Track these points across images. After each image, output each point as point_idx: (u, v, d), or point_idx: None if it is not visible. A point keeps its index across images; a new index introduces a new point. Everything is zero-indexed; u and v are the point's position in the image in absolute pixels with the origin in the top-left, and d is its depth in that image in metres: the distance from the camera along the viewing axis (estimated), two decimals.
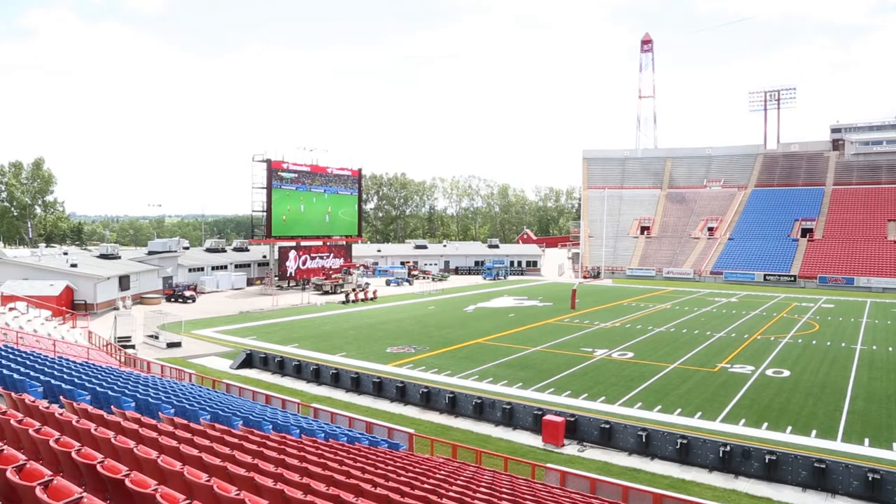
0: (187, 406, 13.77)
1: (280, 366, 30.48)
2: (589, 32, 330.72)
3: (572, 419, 21.04)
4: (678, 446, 19.02)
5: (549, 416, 21.08)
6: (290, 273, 68.67)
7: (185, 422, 11.58)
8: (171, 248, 65.70)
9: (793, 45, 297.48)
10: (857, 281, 73.51)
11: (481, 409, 23.22)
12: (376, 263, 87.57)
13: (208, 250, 76.02)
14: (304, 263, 70.21)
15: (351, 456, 12.19)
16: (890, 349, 35.80)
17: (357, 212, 79.85)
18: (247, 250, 78.74)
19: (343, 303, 56.06)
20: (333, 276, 69.06)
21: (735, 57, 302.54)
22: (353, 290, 60.76)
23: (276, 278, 67.88)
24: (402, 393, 25.51)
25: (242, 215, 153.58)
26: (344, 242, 77.43)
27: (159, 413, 12.16)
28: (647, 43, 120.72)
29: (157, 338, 37.56)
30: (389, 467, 11.67)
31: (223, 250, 77.04)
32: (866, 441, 20.48)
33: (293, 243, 69.60)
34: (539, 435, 21.12)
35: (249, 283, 71.86)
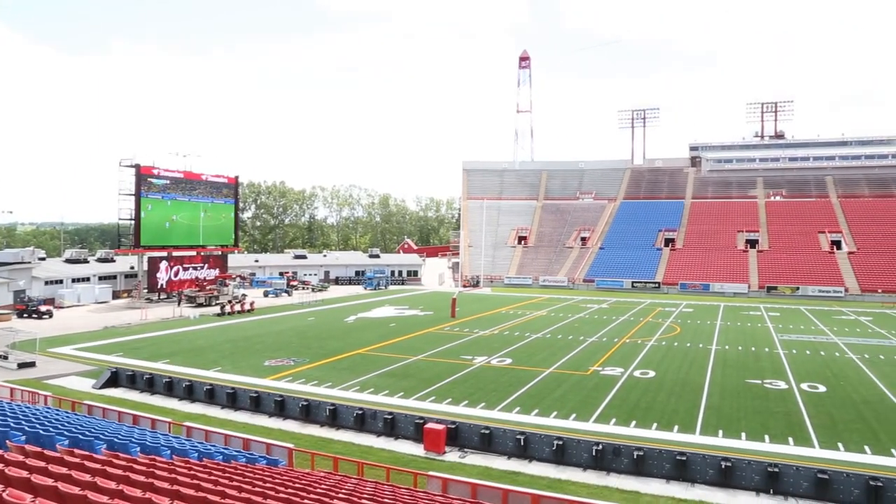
0: (41, 431, 12.72)
1: (149, 383, 28.81)
2: (470, 46, 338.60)
3: (453, 426, 21.30)
4: (554, 448, 19.71)
5: (430, 425, 21.23)
6: (161, 285, 65.23)
7: (39, 449, 10.69)
8: (24, 258, 60.59)
9: (658, 68, 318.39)
10: (713, 287, 79.51)
11: (363, 421, 23.03)
12: (254, 274, 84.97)
13: (68, 261, 70.75)
14: (176, 275, 66.90)
15: (227, 475, 11.73)
16: (739, 348, 38.93)
17: (233, 221, 77.12)
18: (113, 261, 74.08)
19: (218, 315, 53.89)
20: (208, 287, 66.31)
21: (607, 76, 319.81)
22: (229, 301, 58.60)
23: (146, 291, 64.26)
24: (281, 407, 24.83)
25: (108, 223, 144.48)
26: (219, 252, 74.51)
27: (7, 441, 11.15)
28: (524, 60, 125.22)
29: (6, 358, 34.42)
30: (268, 484, 11.33)
31: (85, 261, 71.97)
32: (720, 433, 22.14)
33: (164, 253, 66.17)
34: (421, 443, 21.21)
35: (115, 296, 67.55)
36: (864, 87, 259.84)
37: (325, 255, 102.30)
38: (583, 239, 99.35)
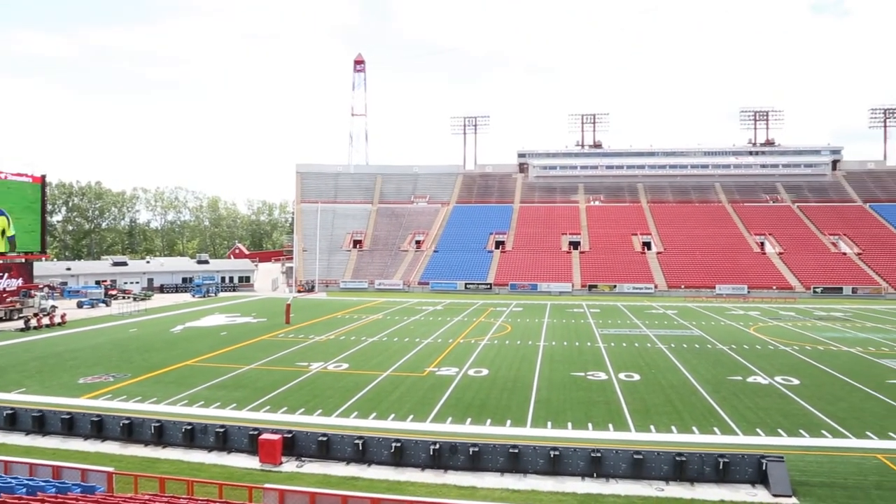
0: None
1: None
2: (303, 47, 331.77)
3: (290, 435, 20.73)
4: (393, 450, 19.81)
5: (265, 435, 20.51)
6: None
7: None
8: None
9: (489, 76, 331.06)
10: (540, 286, 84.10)
11: (192, 436, 21.75)
12: (65, 283, 77.60)
13: None
14: None
15: None
16: (565, 344, 41.50)
17: (40, 225, 69.75)
18: None
19: (22, 330, 48.53)
20: (9, 299, 59.49)
21: (441, 83, 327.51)
22: (35, 314, 53.02)
23: None
24: (98, 428, 22.80)
25: None
26: (23, 260, 67.11)
27: None
28: (359, 63, 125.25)
29: None
30: None
31: None
32: (549, 424, 23.46)
33: None
34: (256, 456, 20.43)
35: None
36: (670, 101, 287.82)
37: (148, 262, 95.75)
38: (417, 242, 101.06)
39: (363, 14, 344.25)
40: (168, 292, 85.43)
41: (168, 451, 21.55)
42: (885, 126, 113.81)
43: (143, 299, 73.23)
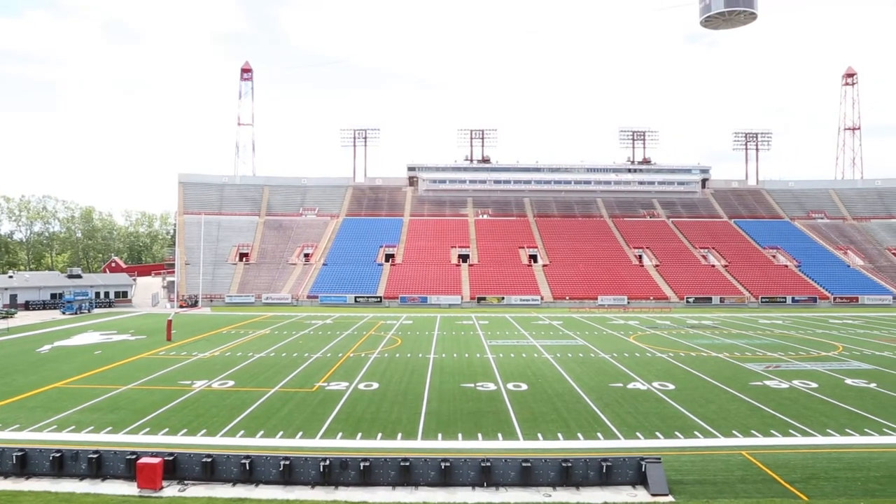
0: None
1: None
2: (186, 54, 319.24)
3: (171, 458, 19.70)
4: (281, 468, 19.27)
5: (144, 459, 19.37)
6: None
7: None
8: None
9: (380, 89, 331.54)
10: (430, 299, 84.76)
11: (61, 464, 20.19)
12: None
13: None
14: None
15: None
16: (455, 356, 41.97)
17: None
18: None
19: None
20: None
21: (331, 94, 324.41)
22: None
23: None
24: None
25: None
26: None
27: None
28: (247, 71, 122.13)
29: None
30: None
31: None
32: (440, 436, 23.58)
33: None
34: (134, 482, 19.27)
35: None
36: (556, 118, 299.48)
37: (11, 276, 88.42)
38: (306, 255, 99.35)
39: (249, 22, 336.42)
40: (34, 309, 79.38)
41: (33, 482, 19.89)
42: (747, 149, 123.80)
43: (4, 317, 67.64)
